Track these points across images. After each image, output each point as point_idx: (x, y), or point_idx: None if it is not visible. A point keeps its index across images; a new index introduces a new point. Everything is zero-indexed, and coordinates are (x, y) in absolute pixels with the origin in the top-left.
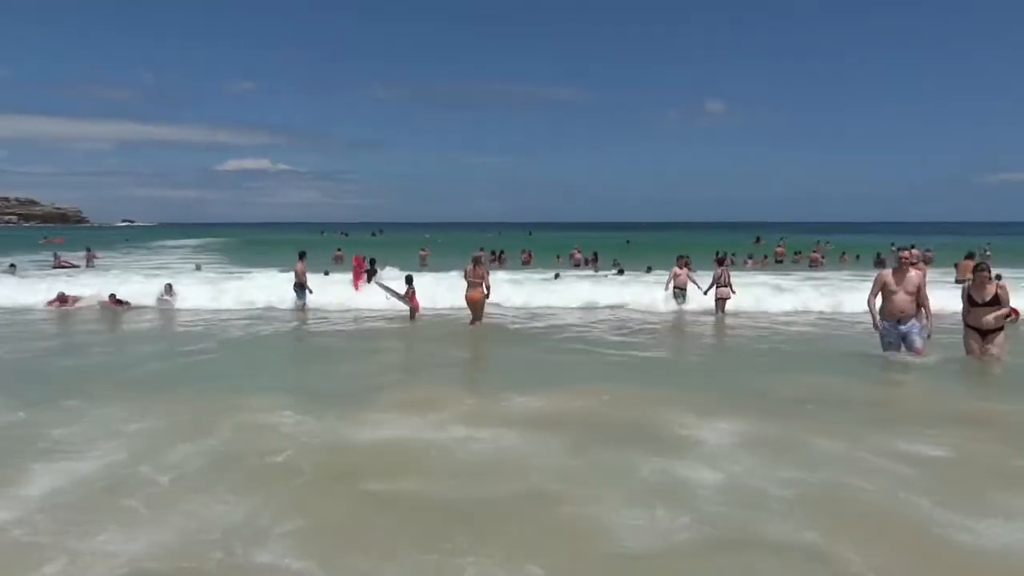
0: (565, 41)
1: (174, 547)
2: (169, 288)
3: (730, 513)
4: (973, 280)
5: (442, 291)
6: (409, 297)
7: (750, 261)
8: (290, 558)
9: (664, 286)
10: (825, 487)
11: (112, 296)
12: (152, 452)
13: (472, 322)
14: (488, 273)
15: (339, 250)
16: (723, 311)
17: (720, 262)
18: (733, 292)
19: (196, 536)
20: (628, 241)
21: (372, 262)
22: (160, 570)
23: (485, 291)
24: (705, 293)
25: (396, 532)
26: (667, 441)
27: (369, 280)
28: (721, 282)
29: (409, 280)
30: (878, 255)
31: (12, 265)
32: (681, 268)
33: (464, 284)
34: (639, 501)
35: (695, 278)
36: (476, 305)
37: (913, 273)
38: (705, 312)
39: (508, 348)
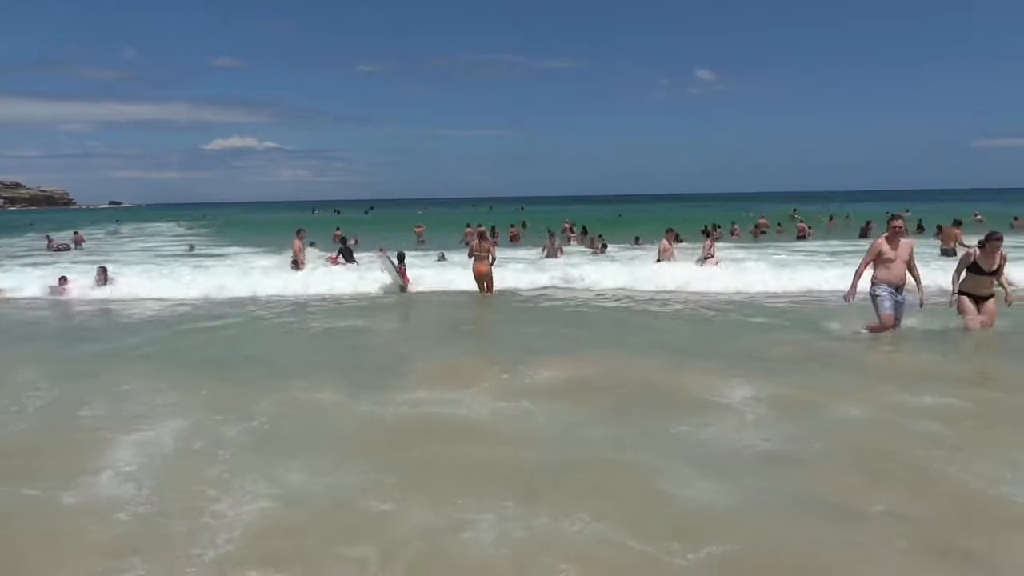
0: (554, 11)
1: (285, 510)
2: (103, 272)
3: (782, 477)
4: (984, 247)
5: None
6: (401, 273)
7: (735, 234)
8: (398, 506)
9: (656, 259)
10: (861, 445)
11: (63, 279)
12: (206, 429)
13: (484, 293)
14: (493, 246)
15: (337, 229)
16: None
17: (707, 234)
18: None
19: (297, 497)
20: (620, 215)
21: (344, 240)
22: (290, 528)
23: (491, 262)
24: (697, 262)
25: (478, 490)
26: (696, 405)
27: (348, 259)
28: (709, 253)
29: (401, 257)
30: (866, 223)
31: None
32: (670, 243)
33: (466, 261)
34: (693, 464)
35: (677, 251)
36: (484, 277)
37: (906, 241)
38: (691, 284)
39: (512, 319)
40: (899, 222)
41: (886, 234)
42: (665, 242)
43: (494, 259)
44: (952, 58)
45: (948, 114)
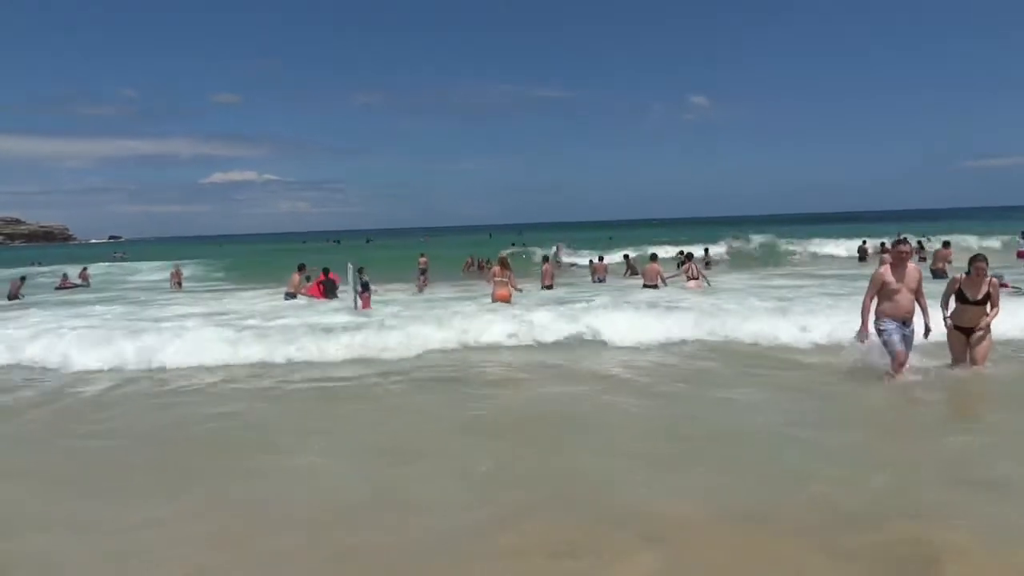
0: (550, 41)
1: (519, 493)
2: None
3: (829, 443)
4: (968, 273)
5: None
6: (363, 298)
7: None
8: (586, 474)
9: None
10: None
11: None
12: (359, 444)
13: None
14: (512, 275)
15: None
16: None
17: (689, 257)
18: (706, 281)
19: (521, 480)
20: (611, 237)
21: (326, 271)
22: (510, 515)
23: (512, 289)
24: (678, 280)
25: (616, 462)
26: (738, 387)
27: (326, 294)
28: (690, 274)
29: (366, 286)
30: (863, 243)
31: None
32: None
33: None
34: (772, 436)
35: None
36: (505, 302)
37: (912, 267)
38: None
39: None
40: (905, 247)
41: (890, 262)
42: (657, 267)
43: (515, 286)
44: (934, 85)
45: (930, 137)
